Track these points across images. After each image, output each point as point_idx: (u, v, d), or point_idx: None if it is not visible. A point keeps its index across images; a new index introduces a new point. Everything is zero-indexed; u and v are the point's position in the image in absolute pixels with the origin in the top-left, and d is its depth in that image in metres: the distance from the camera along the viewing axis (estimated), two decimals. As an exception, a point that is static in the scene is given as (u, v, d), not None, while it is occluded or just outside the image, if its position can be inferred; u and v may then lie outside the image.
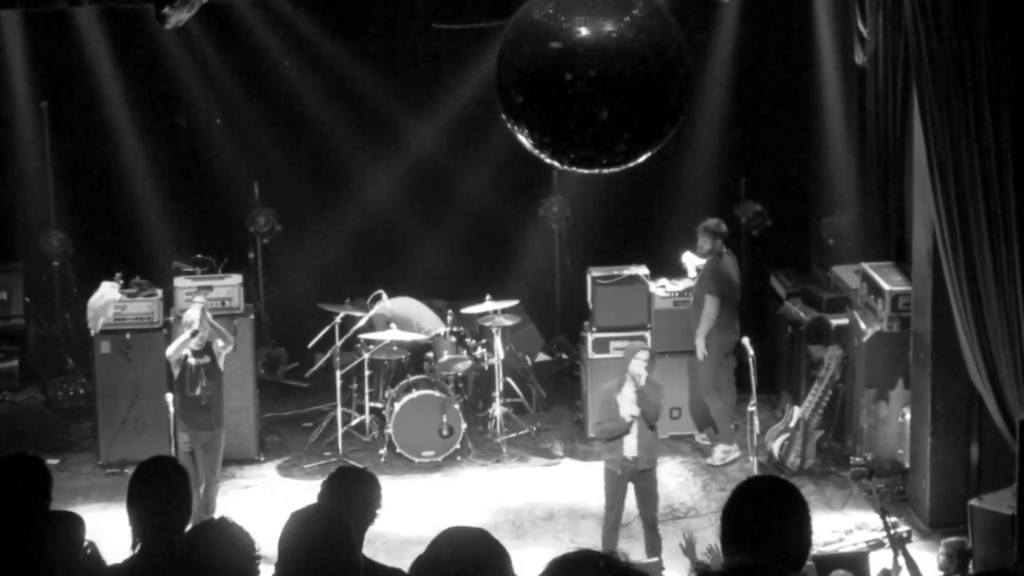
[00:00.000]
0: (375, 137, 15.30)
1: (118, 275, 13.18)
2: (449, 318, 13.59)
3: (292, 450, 13.43)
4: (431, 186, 15.48)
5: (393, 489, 11.75)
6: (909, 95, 11.42)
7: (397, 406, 12.87)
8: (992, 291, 9.84)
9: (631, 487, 10.54)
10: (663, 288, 13.53)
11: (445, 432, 12.92)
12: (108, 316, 12.92)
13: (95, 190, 15.11)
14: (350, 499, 6.00)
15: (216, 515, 10.15)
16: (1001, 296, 9.77)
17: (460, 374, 13.35)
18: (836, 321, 13.06)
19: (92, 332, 12.96)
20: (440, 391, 12.98)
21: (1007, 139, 9.51)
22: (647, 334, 13.27)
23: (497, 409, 13.30)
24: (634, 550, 10.52)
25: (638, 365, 10.36)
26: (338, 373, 13.17)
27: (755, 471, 11.56)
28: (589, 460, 12.74)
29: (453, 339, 13.36)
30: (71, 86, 14.86)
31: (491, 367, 13.33)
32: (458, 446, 12.99)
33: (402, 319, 13.49)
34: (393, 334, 13.22)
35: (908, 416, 11.91)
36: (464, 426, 12.96)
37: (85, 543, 5.51)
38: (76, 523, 5.48)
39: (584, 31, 6.12)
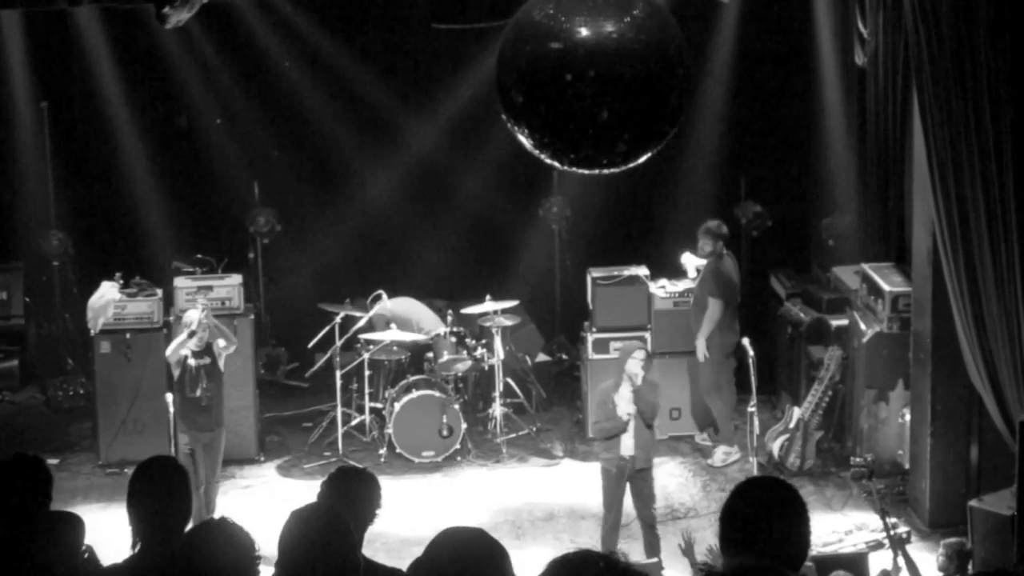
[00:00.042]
0: (375, 137, 15.30)
1: (118, 275, 13.18)
2: (449, 318, 13.59)
3: (292, 450, 13.43)
4: (431, 186, 15.49)
5: (393, 489, 11.74)
6: (909, 95, 11.42)
7: (397, 406, 12.88)
8: (992, 292, 9.84)
9: (628, 486, 10.56)
10: (663, 289, 13.53)
11: (445, 432, 12.92)
12: (108, 316, 12.92)
13: (95, 190, 15.11)
14: (350, 499, 6.00)
15: (216, 515, 10.17)
16: (1001, 296, 9.77)
17: (460, 374, 13.35)
18: (836, 322, 13.06)
19: (92, 332, 12.96)
20: (440, 391, 12.98)
21: (1007, 139, 9.51)
22: (647, 335, 13.27)
23: (497, 409, 13.30)
24: (634, 550, 10.52)
25: (634, 364, 10.37)
26: (338, 373, 13.17)
27: (755, 472, 11.56)
28: (589, 460, 12.73)
29: (453, 339, 13.36)
30: (71, 86, 14.86)
31: (491, 367, 13.33)
32: (458, 446, 12.99)
33: (402, 319, 13.49)
34: (393, 334, 13.22)
35: (908, 417, 11.91)
36: (464, 426, 12.96)
37: (84, 547, 5.50)
38: (76, 524, 5.48)
39: (584, 31, 6.12)
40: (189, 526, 5.18)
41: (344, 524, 4.49)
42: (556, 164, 6.55)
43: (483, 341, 13.49)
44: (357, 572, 4.42)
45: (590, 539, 10.92)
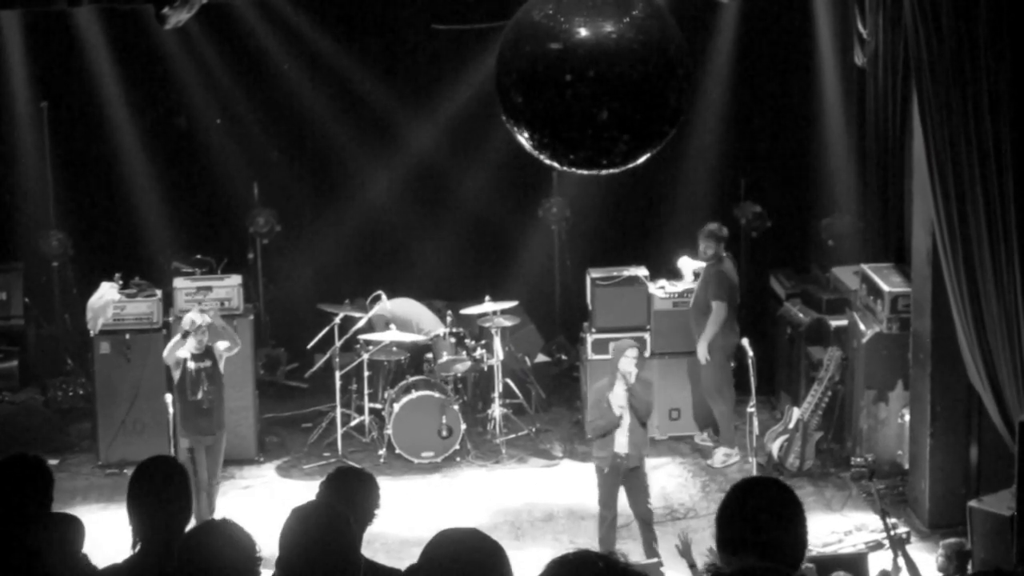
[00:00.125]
0: (375, 137, 15.30)
1: (117, 275, 13.18)
2: (448, 319, 13.59)
3: (291, 451, 13.43)
4: (431, 186, 15.49)
5: (392, 490, 11.77)
6: (909, 96, 11.42)
7: (396, 407, 12.87)
8: (992, 292, 9.84)
9: (623, 485, 10.59)
10: (662, 289, 13.53)
11: (444, 433, 12.92)
12: (107, 316, 12.92)
13: (95, 190, 15.11)
14: (348, 499, 5.99)
15: (216, 516, 10.17)
16: (1001, 297, 9.77)
17: (459, 375, 13.35)
18: (835, 322, 13.06)
19: (91, 332, 12.96)
20: (439, 392, 12.98)
21: (1007, 139, 9.51)
22: (646, 335, 13.27)
23: (496, 410, 13.30)
24: (633, 550, 10.52)
25: (628, 363, 10.39)
26: (337, 374, 13.16)
27: (754, 472, 11.56)
28: (588, 461, 12.68)
29: (452, 340, 13.36)
30: (71, 86, 14.85)
31: (490, 368, 13.33)
32: (457, 447, 12.99)
33: (401, 320, 13.48)
34: (392, 335, 13.22)
35: (907, 417, 11.91)
36: (463, 427, 12.96)
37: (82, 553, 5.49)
38: (75, 525, 5.48)
39: (584, 32, 6.11)
40: (190, 527, 5.17)
41: (345, 522, 4.48)
42: (556, 165, 6.54)
43: (482, 342, 13.49)
44: (358, 571, 4.42)
45: (589, 539, 10.92)
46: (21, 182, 14.88)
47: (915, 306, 11.59)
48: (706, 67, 14.73)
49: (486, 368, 13.40)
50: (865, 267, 12.71)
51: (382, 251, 15.44)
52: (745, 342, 11.68)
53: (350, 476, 6.36)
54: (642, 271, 13.59)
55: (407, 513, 11.52)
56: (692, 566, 8.72)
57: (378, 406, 13.37)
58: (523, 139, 6.42)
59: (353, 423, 13.39)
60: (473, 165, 15.23)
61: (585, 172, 6.71)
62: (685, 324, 13.20)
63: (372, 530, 6.13)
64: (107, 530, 8.13)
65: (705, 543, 9.08)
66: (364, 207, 15.39)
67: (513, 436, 13.39)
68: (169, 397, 11.31)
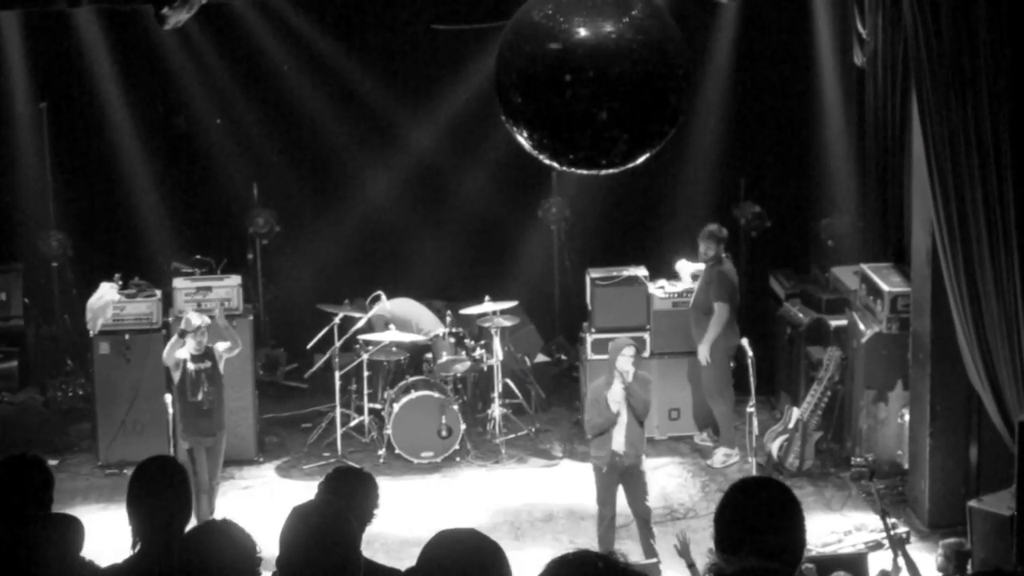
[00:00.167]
0: (375, 137, 15.30)
1: (117, 276, 13.19)
2: (448, 319, 13.59)
3: (291, 451, 13.43)
4: (430, 186, 15.49)
5: (392, 490, 11.78)
6: (908, 96, 11.42)
7: (396, 407, 12.87)
8: (991, 292, 9.84)
9: (620, 483, 10.60)
10: (662, 289, 13.54)
11: (444, 433, 12.92)
12: (107, 317, 12.92)
13: (94, 190, 15.10)
14: (347, 499, 6.00)
15: (216, 516, 10.17)
16: (1000, 297, 9.77)
17: (459, 375, 13.35)
18: (835, 322, 13.06)
19: (91, 333, 12.96)
20: (439, 392, 12.97)
21: (1007, 139, 9.51)
22: (646, 335, 13.28)
23: (496, 410, 13.30)
24: (633, 550, 10.52)
25: (624, 361, 10.40)
26: (337, 374, 13.16)
27: (754, 472, 11.56)
28: (588, 461, 12.67)
29: (452, 340, 13.36)
30: (71, 86, 14.85)
31: (490, 368, 13.33)
32: (457, 447, 12.99)
33: (401, 320, 13.48)
34: (392, 335, 13.22)
35: (907, 417, 11.91)
36: (463, 427, 12.96)
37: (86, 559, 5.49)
38: (75, 525, 5.47)
39: (583, 32, 6.12)
40: (190, 527, 5.17)
41: (346, 521, 4.48)
42: (555, 165, 6.54)
43: (482, 342, 13.49)
44: (358, 570, 4.41)
45: (589, 539, 10.92)
46: (21, 182, 14.86)
47: (915, 306, 11.59)
48: (706, 67, 14.73)
49: (486, 368, 13.40)
50: (865, 267, 12.71)
51: (382, 251, 15.43)
52: (745, 342, 11.68)
53: (349, 476, 6.37)
54: (642, 271, 13.59)
55: (407, 513, 11.52)
56: (691, 566, 8.72)
57: (378, 406, 13.37)
58: (522, 139, 6.42)
59: (353, 423, 13.39)
60: (473, 165, 15.23)
61: (585, 172, 6.71)
62: (685, 324, 13.20)
63: (372, 530, 6.13)
64: (107, 530, 8.12)
65: (705, 543, 9.07)
66: (364, 207, 15.39)
67: (513, 436, 13.39)
68: (169, 397, 11.31)
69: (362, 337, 13.27)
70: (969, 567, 8.99)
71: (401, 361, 13.47)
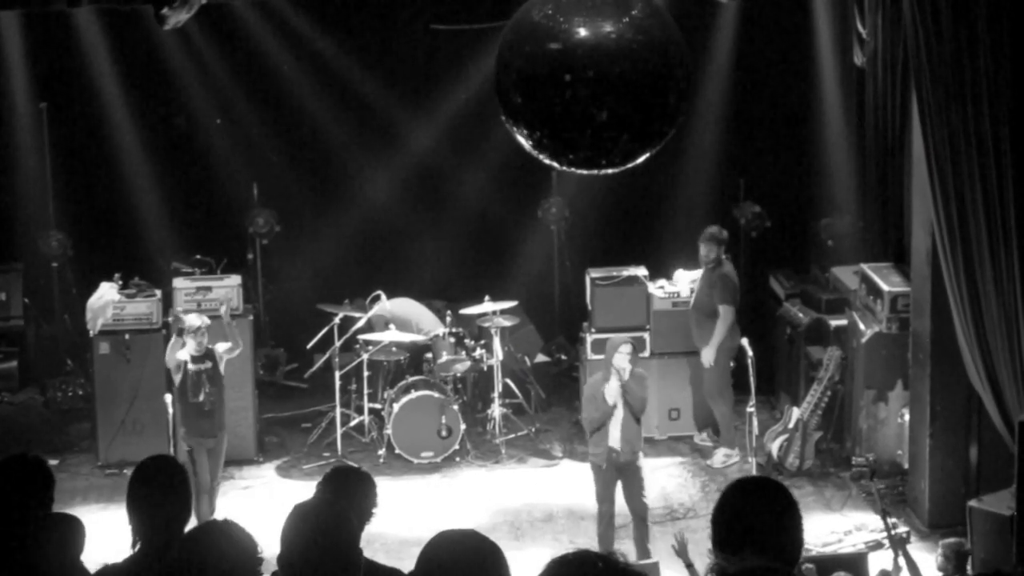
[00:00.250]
0: (375, 137, 15.30)
1: (117, 276, 13.18)
2: (448, 319, 13.59)
3: (291, 451, 13.43)
4: (430, 186, 15.49)
5: (392, 490, 11.80)
6: (908, 96, 11.42)
7: (396, 407, 12.87)
8: (991, 292, 9.84)
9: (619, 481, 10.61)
10: (662, 289, 13.54)
11: (444, 433, 12.91)
12: (107, 317, 12.92)
13: (94, 190, 15.10)
14: (346, 499, 6.00)
15: (216, 516, 10.17)
16: (1000, 297, 9.77)
17: (459, 375, 13.35)
18: (835, 322, 13.06)
19: (91, 333, 12.96)
20: (439, 392, 12.97)
21: (1007, 139, 9.51)
22: (646, 335, 13.28)
23: (496, 410, 13.30)
24: (633, 551, 10.52)
25: (621, 359, 10.41)
26: (337, 374, 13.16)
27: (754, 472, 11.56)
28: (588, 461, 12.72)
29: (452, 340, 13.36)
30: (71, 86, 14.85)
31: (490, 368, 13.33)
32: (457, 447, 12.99)
33: (401, 320, 13.48)
34: (392, 335, 13.22)
35: (907, 417, 11.91)
36: (463, 427, 12.96)
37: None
38: (75, 525, 5.48)
39: (583, 32, 6.12)
40: (190, 527, 5.17)
41: (346, 519, 4.48)
42: (555, 165, 6.55)
43: (482, 342, 13.49)
44: (358, 569, 4.41)
45: (589, 540, 10.92)
46: (21, 182, 14.87)
47: (915, 306, 11.59)
48: (706, 67, 14.73)
49: (486, 368, 13.40)
50: (864, 267, 12.71)
51: (382, 251, 15.44)
52: (745, 342, 11.68)
53: (347, 475, 6.38)
54: (641, 271, 13.59)
55: (406, 513, 11.52)
56: (689, 566, 8.72)
57: (378, 406, 13.37)
58: (522, 139, 6.42)
59: (353, 423, 13.39)
60: (473, 165, 15.23)
61: (584, 172, 6.71)
62: (684, 324, 13.20)
63: (372, 530, 6.13)
64: (107, 530, 8.12)
65: (705, 543, 9.03)
66: (364, 207, 15.39)
67: (513, 436, 13.39)
68: (168, 397, 11.30)
69: (362, 337, 13.27)
70: (969, 567, 8.99)
71: (401, 361, 13.47)
